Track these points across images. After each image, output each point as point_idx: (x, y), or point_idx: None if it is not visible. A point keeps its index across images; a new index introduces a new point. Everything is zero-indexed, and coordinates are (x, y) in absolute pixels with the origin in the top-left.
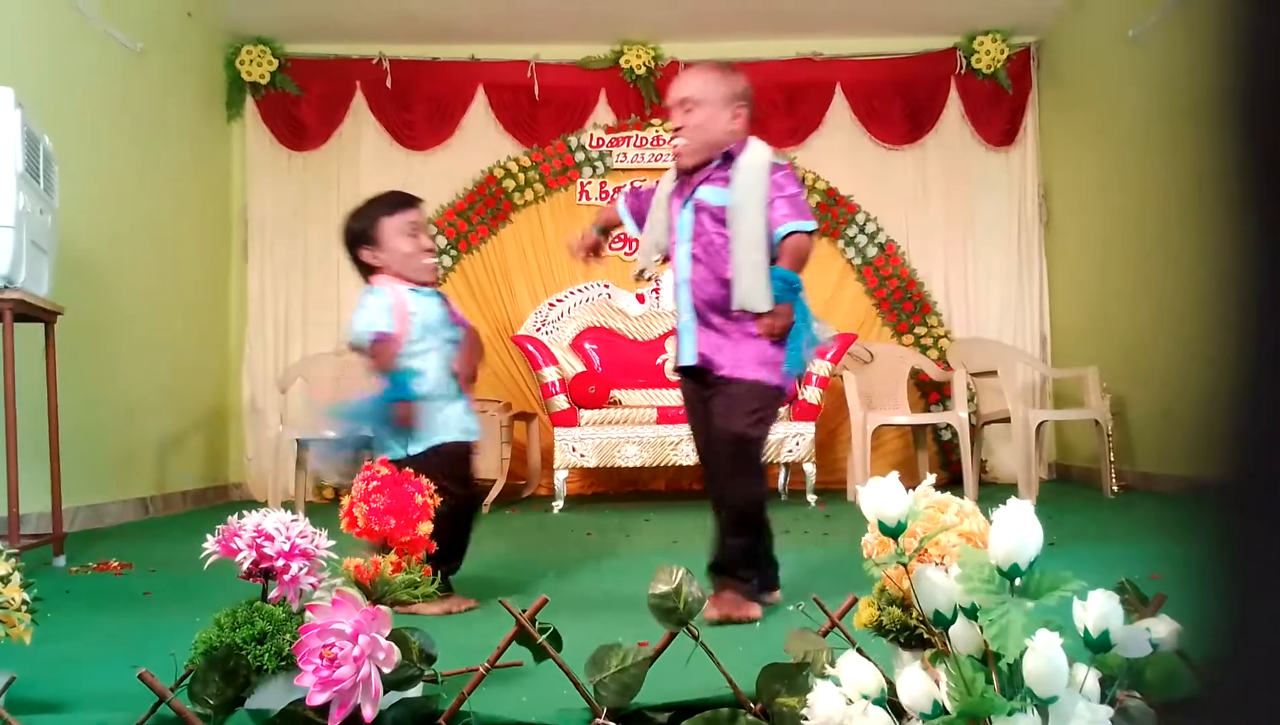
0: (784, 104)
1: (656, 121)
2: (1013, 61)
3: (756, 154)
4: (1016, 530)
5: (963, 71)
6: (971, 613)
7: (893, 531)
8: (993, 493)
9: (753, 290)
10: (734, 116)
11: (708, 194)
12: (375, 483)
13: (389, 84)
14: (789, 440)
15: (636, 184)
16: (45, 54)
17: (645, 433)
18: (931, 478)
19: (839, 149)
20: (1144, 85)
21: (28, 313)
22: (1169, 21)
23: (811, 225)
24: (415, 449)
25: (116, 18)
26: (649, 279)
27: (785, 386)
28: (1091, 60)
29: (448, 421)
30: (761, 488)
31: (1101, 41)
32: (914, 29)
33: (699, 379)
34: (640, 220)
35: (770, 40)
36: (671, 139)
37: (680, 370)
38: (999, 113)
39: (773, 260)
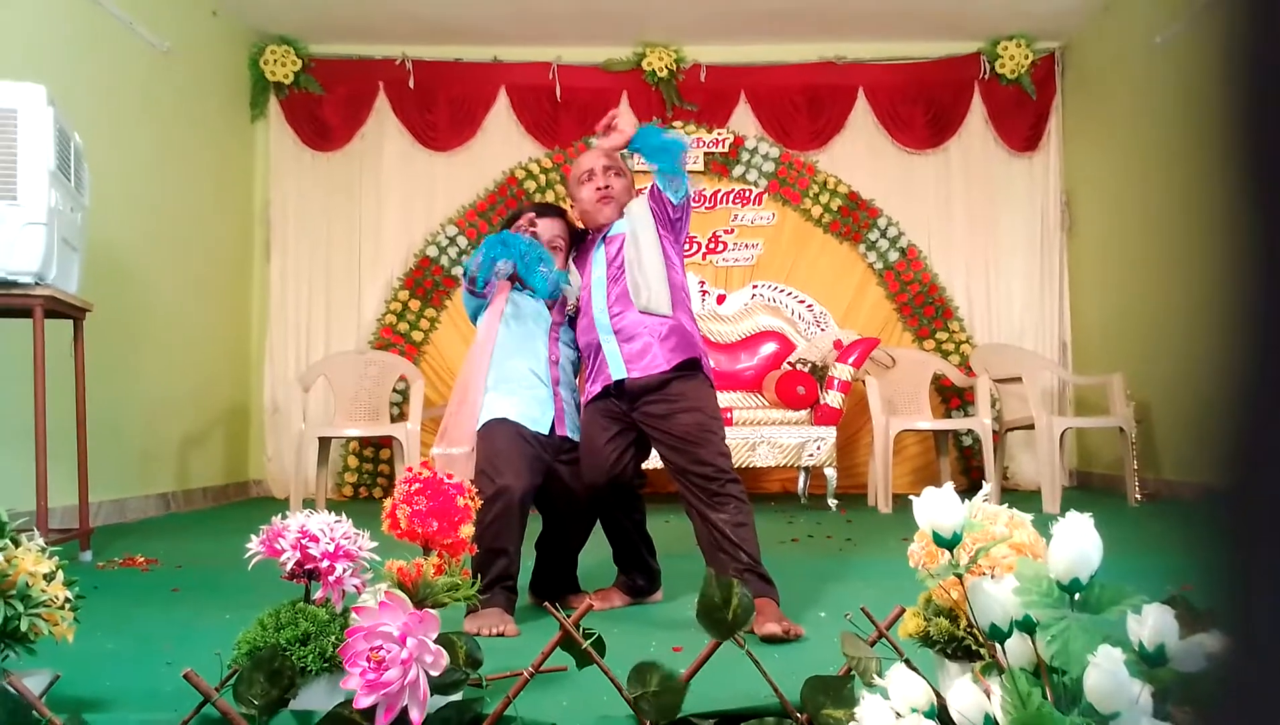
0: (806, 107)
1: (678, 124)
2: (1037, 67)
3: (641, 196)
4: (1078, 544)
5: (987, 76)
6: (1026, 625)
7: (948, 543)
8: (1015, 500)
9: (659, 293)
10: (632, 190)
11: (614, 230)
12: (418, 485)
13: (411, 85)
14: (810, 444)
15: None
16: (74, 53)
17: None
18: (987, 488)
19: (861, 153)
20: (1170, 92)
21: (57, 309)
22: (1196, 28)
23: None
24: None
25: (143, 17)
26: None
27: (705, 355)
28: (1117, 66)
29: (501, 403)
30: (743, 493)
31: (1127, 47)
32: (938, 33)
33: (617, 397)
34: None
35: (793, 43)
36: (600, 196)
37: (598, 395)
38: (1023, 118)
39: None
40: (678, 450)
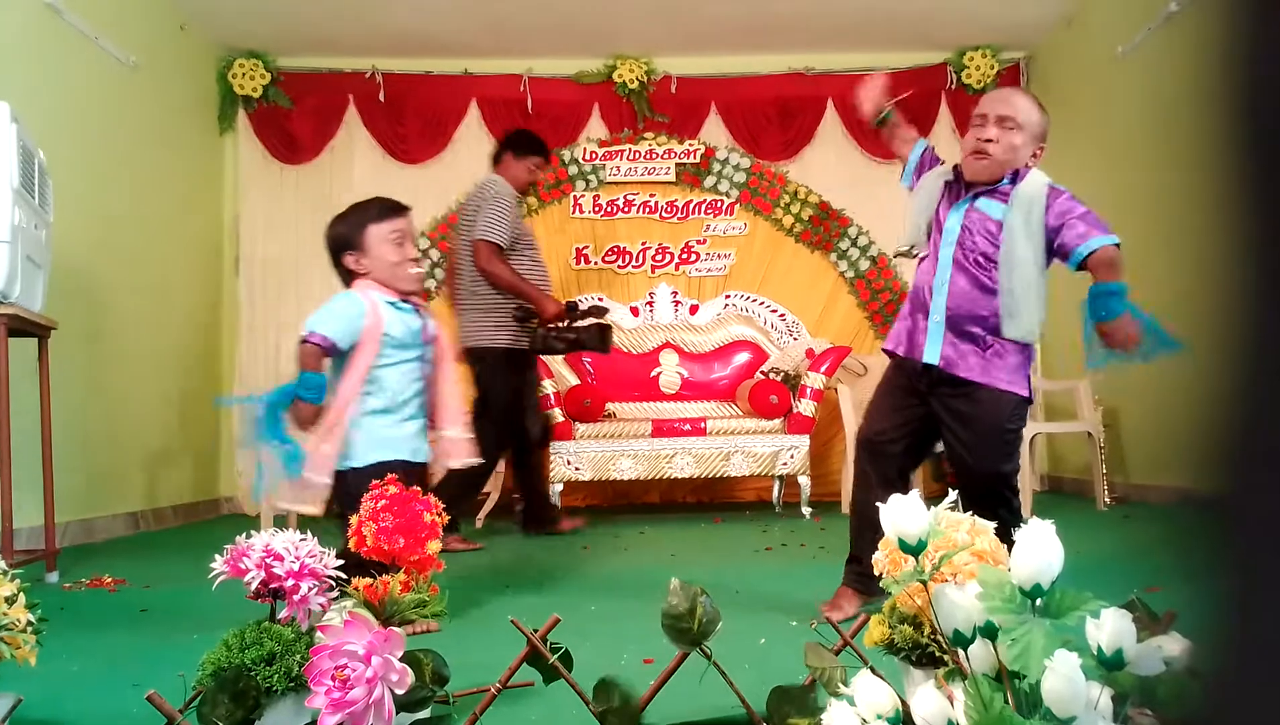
0: (776, 118)
1: (650, 135)
2: (1003, 76)
3: (1038, 178)
4: (1039, 550)
5: (953, 86)
6: (988, 632)
7: (913, 550)
8: None
9: (1028, 321)
10: (1035, 155)
11: (986, 206)
12: (384, 502)
13: (382, 97)
14: (783, 453)
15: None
16: (39, 68)
17: (640, 446)
18: (952, 496)
19: (831, 163)
20: (1133, 100)
21: (22, 328)
22: (1157, 38)
23: (1116, 239)
24: (349, 464)
25: (110, 32)
26: (916, 256)
27: (1031, 397)
28: (1081, 75)
29: (391, 440)
30: (1019, 511)
31: (1091, 57)
32: (905, 44)
33: (924, 381)
34: (918, 175)
35: (763, 55)
36: (977, 148)
37: (906, 366)
38: None
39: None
40: (960, 456)
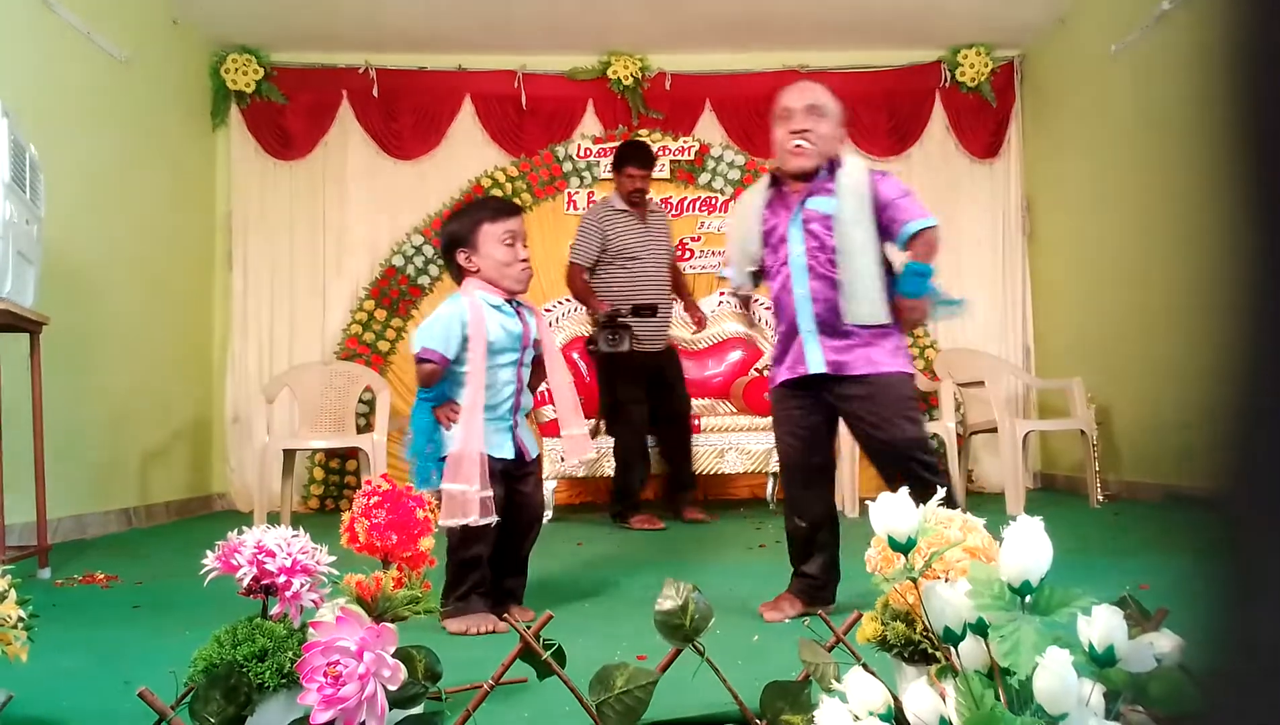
0: (770, 115)
1: (644, 132)
2: (997, 75)
3: (857, 165)
4: (1027, 547)
5: (947, 84)
6: (979, 629)
7: (903, 547)
8: (979, 502)
9: (870, 303)
10: (842, 138)
11: (818, 204)
12: (376, 498)
13: (375, 93)
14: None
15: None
16: (31, 63)
17: None
18: (940, 493)
19: None
20: (1126, 99)
21: (13, 323)
22: (1151, 37)
23: (936, 221)
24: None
25: (102, 26)
26: (749, 297)
27: (914, 373)
28: (1075, 74)
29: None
30: (940, 469)
31: (1084, 55)
32: (899, 42)
33: (811, 387)
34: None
35: (756, 52)
36: (793, 140)
37: (791, 382)
38: (983, 125)
39: (895, 263)
40: (870, 434)
